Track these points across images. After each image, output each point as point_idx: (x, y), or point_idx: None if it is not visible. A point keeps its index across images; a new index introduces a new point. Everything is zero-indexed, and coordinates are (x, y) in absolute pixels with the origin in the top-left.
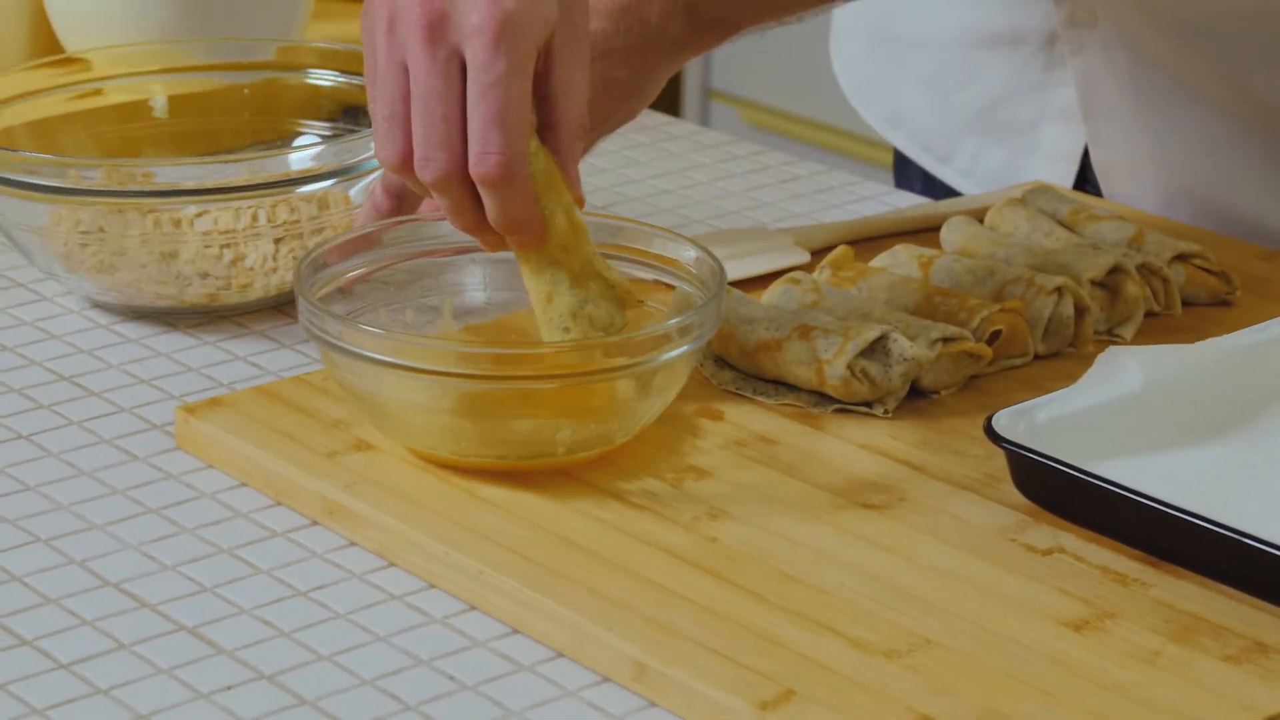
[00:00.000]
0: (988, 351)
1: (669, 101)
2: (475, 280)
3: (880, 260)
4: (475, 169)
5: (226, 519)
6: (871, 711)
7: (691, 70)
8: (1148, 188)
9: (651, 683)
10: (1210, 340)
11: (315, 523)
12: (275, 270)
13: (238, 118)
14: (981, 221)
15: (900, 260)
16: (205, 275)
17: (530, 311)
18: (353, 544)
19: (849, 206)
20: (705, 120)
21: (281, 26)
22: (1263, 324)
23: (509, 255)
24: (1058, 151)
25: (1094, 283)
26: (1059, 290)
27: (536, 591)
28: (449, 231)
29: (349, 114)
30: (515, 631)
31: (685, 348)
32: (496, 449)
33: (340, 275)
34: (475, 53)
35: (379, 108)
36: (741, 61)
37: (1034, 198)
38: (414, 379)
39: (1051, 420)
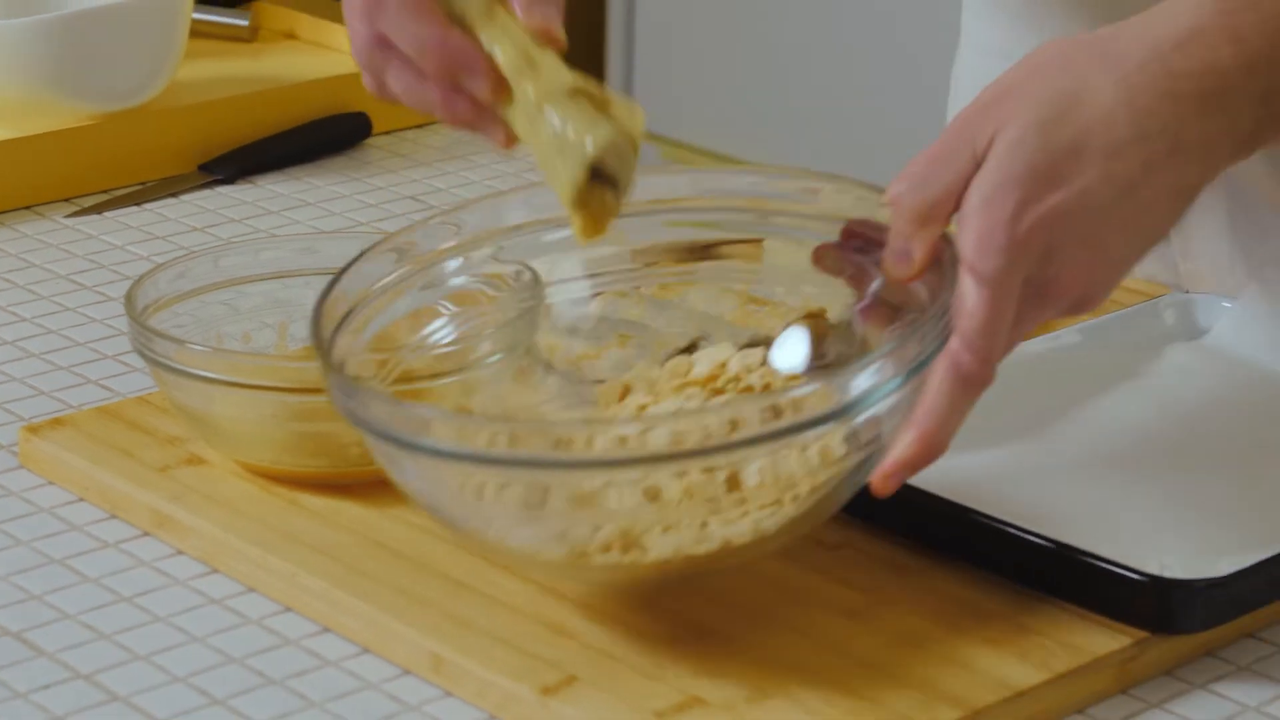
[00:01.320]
0: None
1: None
2: (311, 301)
3: None
4: None
5: (61, 532)
6: (645, 694)
7: None
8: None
9: (447, 673)
10: None
11: (146, 533)
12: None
13: None
14: None
15: None
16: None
17: None
18: (180, 553)
19: None
20: None
21: (153, 69)
22: (1055, 332)
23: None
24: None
25: None
26: None
27: (344, 591)
28: (288, 255)
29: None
30: (326, 630)
31: (498, 356)
32: (318, 459)
33: (174, 297)
34: None
35: None
36: (664, 99)
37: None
38: (240, 394)
39: None
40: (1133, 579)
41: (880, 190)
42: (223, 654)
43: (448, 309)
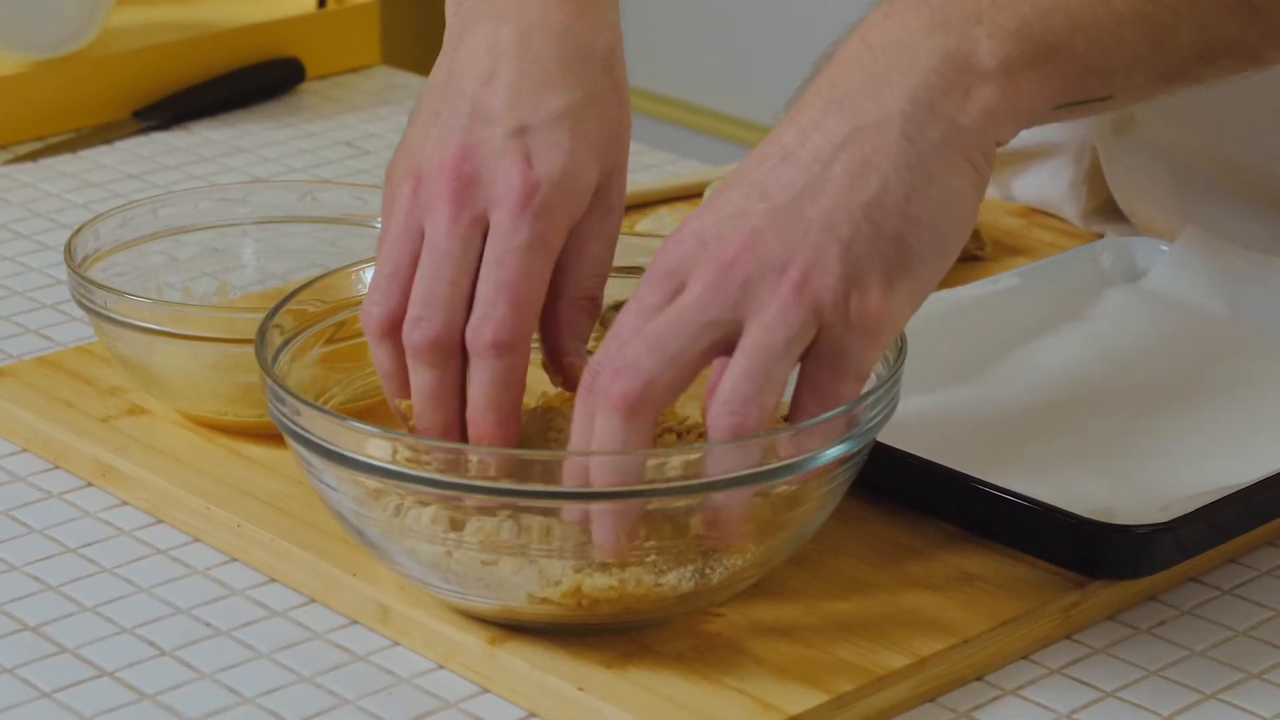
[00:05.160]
0: None
1: None
2: (249, 252)
3: (646, 224)
4: (471, 332)
5: (5, 483)
6: (593, 644)
7: None
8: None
9: (395, 624)
10: (942, 292)
11: (90, 484)
12: None
13: None
14: None
15: (665, 224)
16: None
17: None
18: (124, 503)
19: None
20: None
21: (86, 16)
22: (994, 276)
23: (284, 228)
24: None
25: None
26: None
27: (289, 542)
28: (225, 204)
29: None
30: (272, 580)
31: None
32: (261, 409)
33: (114, 247)
34: (500, 219)
35: (382, 265)
36: (644, 49)
37: None
38: (182, 345)
39: None
40: (1076, 524)
41: None
42: (170, 605)
43: None
